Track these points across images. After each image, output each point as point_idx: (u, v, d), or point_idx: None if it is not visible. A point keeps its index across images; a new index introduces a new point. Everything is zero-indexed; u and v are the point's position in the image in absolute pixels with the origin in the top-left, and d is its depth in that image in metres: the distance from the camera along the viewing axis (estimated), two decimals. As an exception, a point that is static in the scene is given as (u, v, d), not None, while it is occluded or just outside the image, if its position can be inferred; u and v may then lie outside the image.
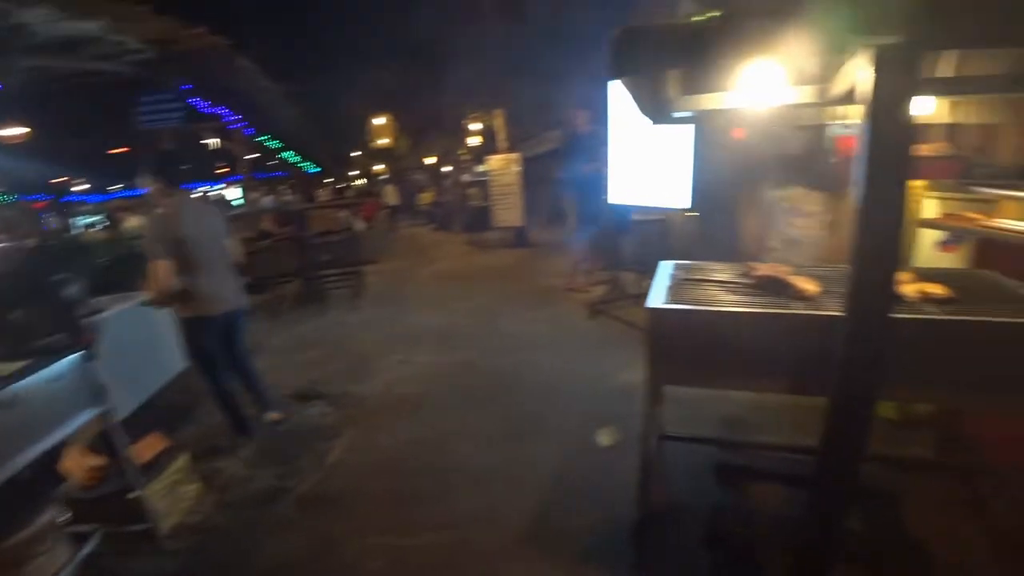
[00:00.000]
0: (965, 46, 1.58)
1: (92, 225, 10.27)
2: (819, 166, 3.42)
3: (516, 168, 9.55)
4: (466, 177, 13.58)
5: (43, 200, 14.50)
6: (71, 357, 2.10)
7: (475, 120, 12.38)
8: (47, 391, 1.95)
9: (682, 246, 4.22)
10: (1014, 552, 2.03)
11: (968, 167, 3.59)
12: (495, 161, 9.91)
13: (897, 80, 1.26)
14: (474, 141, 14.06)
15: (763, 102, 1.82)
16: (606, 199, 4.60)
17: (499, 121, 9.96)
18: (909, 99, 1.28)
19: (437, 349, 5.12)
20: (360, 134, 19.28)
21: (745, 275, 2.12)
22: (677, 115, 2.06)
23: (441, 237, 13.98)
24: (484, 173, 11.42)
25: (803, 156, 3.47)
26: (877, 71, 1.25)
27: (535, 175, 9.59)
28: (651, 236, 4.80)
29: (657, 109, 2.07)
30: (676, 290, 2.06)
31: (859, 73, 1.36)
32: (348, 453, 3.41)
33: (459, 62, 11.08)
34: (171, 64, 5.33)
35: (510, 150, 10.10)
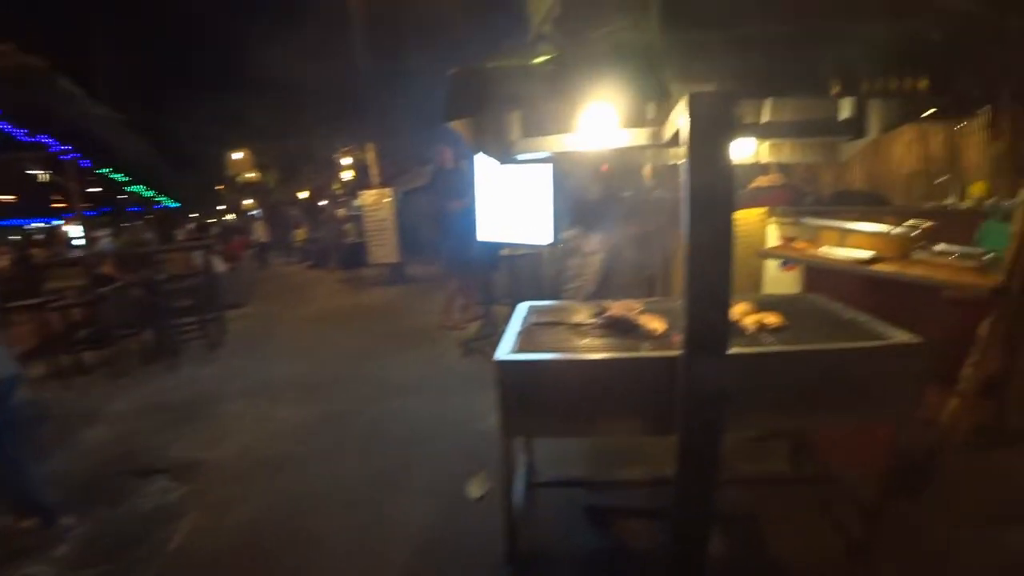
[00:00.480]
0: (767, 95, 1.75)
1: None
2: (608, 208, 3.69)
3: (390, 203, 9.33)
4: (341, 212, 13.04)
5: None
6: None
7: (347, 154, 11.98)
8: None
9: (553, 280, 4.29)
10: (863, 556, 2.18)
11: (800, 196, 4.22)
12: (368, 196, 9.60)
13: (710, 124, 1.32)
14: (347, 176, 13.59)
15: (599, 144, 1.86)
16: (476, 235, 4.58)
17: (371, 155, 9.71)
18: (723, 141, 1.35)
19: (303, 401, 4.70)
20: (220, 168, 17.91)
21: (598, 315, 2.13)
22: (521, 157, 2.05)
23: (316, 275, 13.24)
24: (359, 208, 11.06)
25: (597, 199, 3.74)
26: (692, 116, 1.30)
27: (410, 210, 9.44)
28: (523, 271, 4.84)
29: (502, 150, 2.05)
30: (526, 336, 2.02)
31: (680, 118, 1.41)
32: (193, 537, 2.92)
33: (329, 95, 10.75)
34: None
35: (383, 185, 9.86)
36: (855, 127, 1.78)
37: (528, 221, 4.05)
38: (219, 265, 9.80)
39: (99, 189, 21.12)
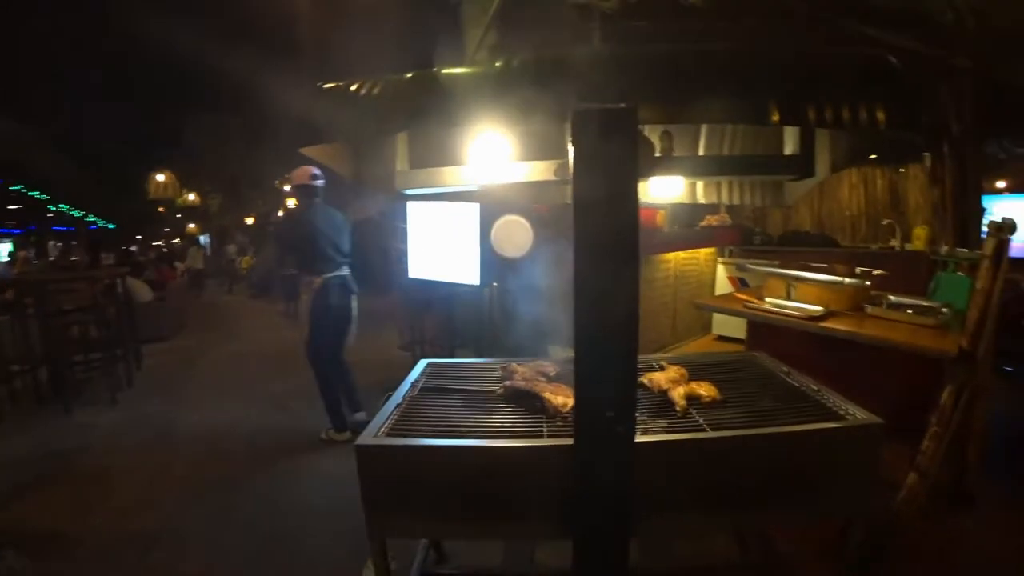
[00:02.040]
0: (698, 121, 1.48)
1: None
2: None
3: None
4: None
5: None
6: None
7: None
8: None
9: (487, 322, 3.95)
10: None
11: (749, 236, 4.11)
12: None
13: (600, 149, 0.99)
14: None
15: (494, 178, 1.52)
16: (407, 272, 4.24)
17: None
18: (620, 169, 1.02)
19: (201, 457, 4.11)
20: (144, 188, 16.99)
21: (503, 380, 1.76)
22: (411, 191, 1.69)
23: (258, 307, 12.48)
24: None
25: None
26: (576, 140, 0.97)
27: (361, 239, 8.94)
28: (460, 310, 4.50)
29: (385, 181, 1.68)
30: (410, 408, 1.62)
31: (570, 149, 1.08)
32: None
33: (274, 118, 10.30)
34: None
35: (332, 213, 9.33)
36: (802, 165, 1.51)
37: (457, 261, 3.76)
38: (144, 294, 9.05)
39: (19, 207, 19.76)
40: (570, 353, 2.03)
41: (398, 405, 1.64)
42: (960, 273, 2.45)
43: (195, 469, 3.92)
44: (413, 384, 1.83)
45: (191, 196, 16.20)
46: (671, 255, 3.52)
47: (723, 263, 3.67)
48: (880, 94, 1.18)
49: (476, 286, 3.57)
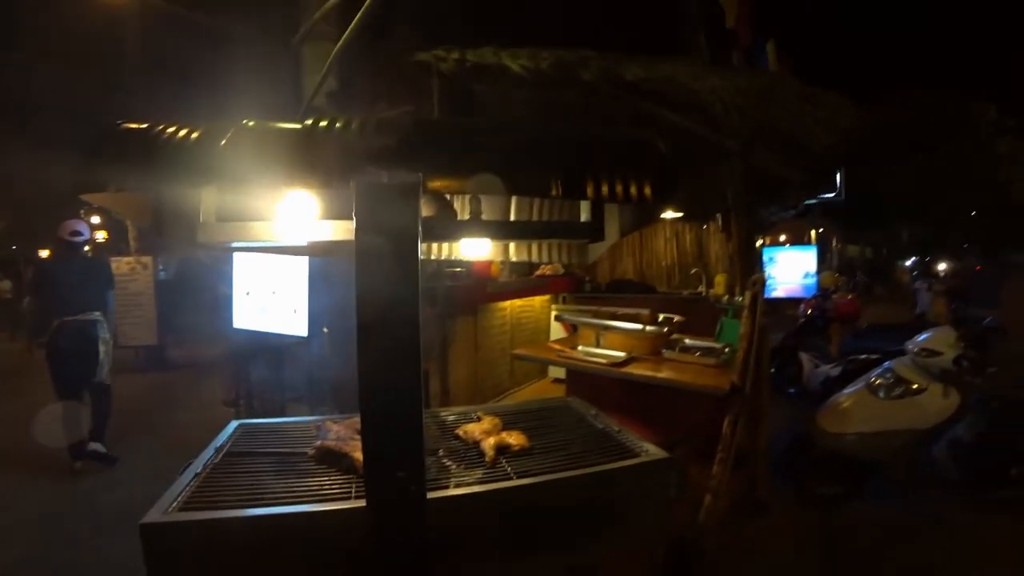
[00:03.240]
0: (489, 192, 1.60)
1: None
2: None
3: (149, 274, 7.83)
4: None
5: None
6: None
7: (94, 213, 9.83)
8: None
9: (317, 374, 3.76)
10: None
11: (580, 283, 4.45)
12: (122, 264, 7.90)
13: (383, 217, 1.03)
14: (99, 236, 11.24)
15: (303, 235, 1.49)
16: (231, 322, 3.93)
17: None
18: (401, 236, 1.06)
19: None
20: None
21: (316, 438, 1.67)
22: (216, 243, 1.58)
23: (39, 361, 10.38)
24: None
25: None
26: (359, 208, 1.00)
27: (180, 284, 8.00)
28: (289, 362, 4.23)
29: (186, 232, 1.56)
30: (209, 477, 1.47)
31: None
32: None
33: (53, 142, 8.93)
34: None
35: (142, 252, 8.28)
36: (593, 230, 1.71)
37: (284, 311, 3.65)
38: None
39: None
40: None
41: (196, 475, 1.48)
42: (736, 319, 2.90)
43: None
44: (218, 449, 1.66)
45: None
46: (507, 303, 3.70)
47: (555, 310, 3.92)
48: (648, 171, 1.38)
49: (304, 337, 3.50)
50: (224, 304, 5.44)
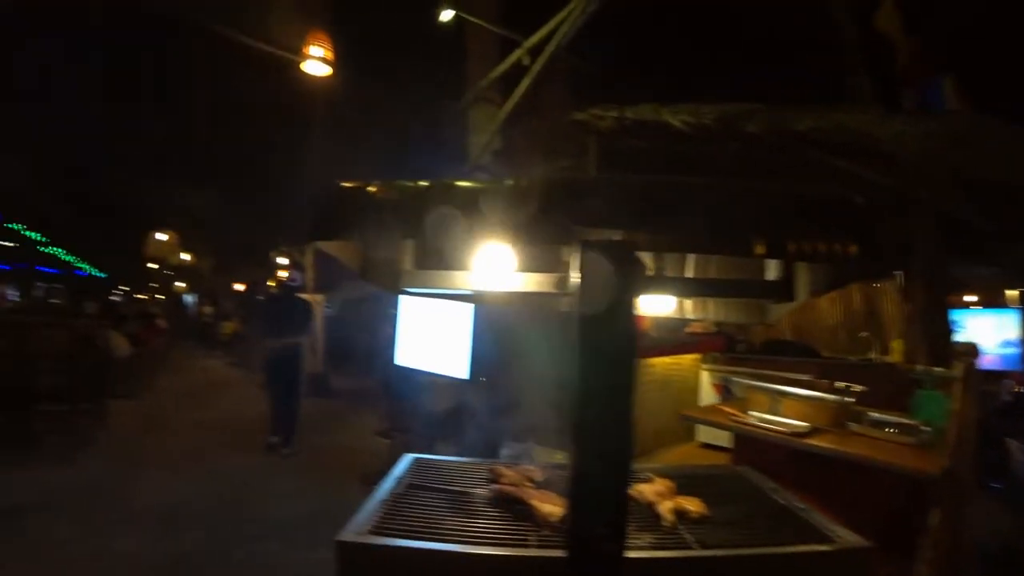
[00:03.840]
0: (689, 251, 1.59)
1: None
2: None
3: (320, 310, 8.89)
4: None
5: None
6: None
7: (284, 255, 11.62)
8: None
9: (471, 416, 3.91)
10: None
11: (732, 343, 4.20)
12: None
13: (603, 275, 1.07)
14: (283, 275, 13.11)
15: (496, 285, 1.59)
16: (393, 358, 4.27)
17: (308, 259, 9.43)
18: (619, 294, 1.09)
19: (156, 532, 3.87)
20: (141, 243, 17.09)
21: (490, 483, 1.74)
22: (414, 289, 1.76)
23: (235, 375, 12.16)
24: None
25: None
26: (584, 266, 1.05)
27: (341, 320, 8.97)
28: (446, 402, 4.44)
29: (391, 280, 1.75)
30: (394, 506, 1.59)
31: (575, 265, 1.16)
32: None
33: (275, 194, 10.62)
34: None
35: (317, 291, 9.46)
36: (783, 290, 1.62)
37: (446, 353, 3.84)
38: (122, 348, 8.83)
39: (13, 244, 19.43)
40: (556, 457, 2.02)
41: (383, 501, 1.60)
42: (937, 391, 2.52)
43: (151, 541, 3.72)
44: (398, 480, 1.80)
45: (186, 257, 16.30)
46: (656, 360, 3.57)
47: (707, 370, 3.72)
48: (850, 229, 1.29)
49: (464, 380, 3.65)
50: (387, 341, 5.95)
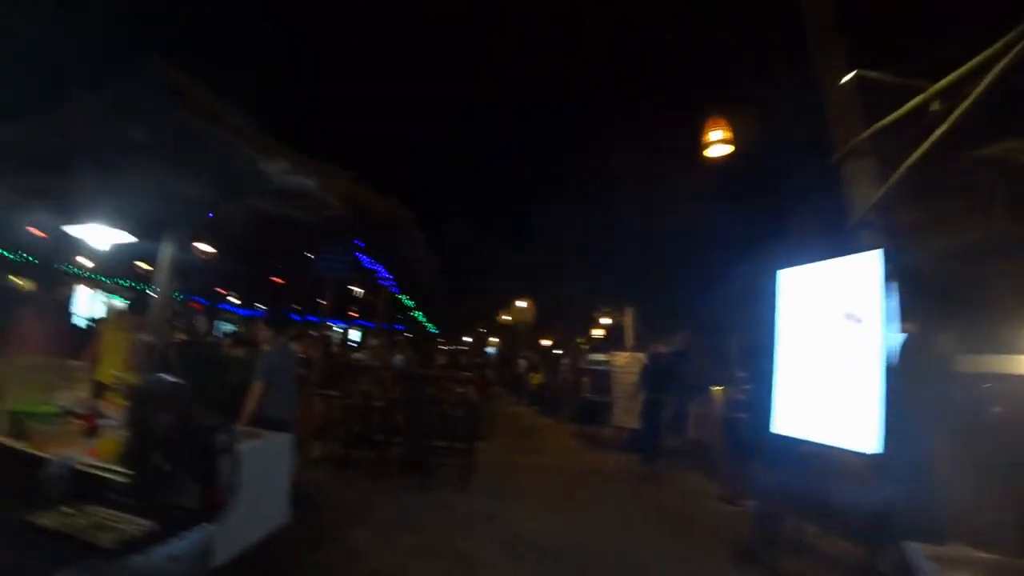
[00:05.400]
0: None
1: (234, 333, 10.91)
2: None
3: (639, 368, 9.15)
4: (583, 365, 13.26)
5: (201, 303, 15.87)
6: (198, 532, 1.78)
7: (606, 315, 12.48)
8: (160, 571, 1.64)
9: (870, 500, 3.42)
10: None
11: None
12: (621, 357, 9.61)
13: None
14: (598, 333, 13.97)
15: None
16: (768, 426, 3.93)
17: (628, 319, 9.93)
18: None
19: (535, 558, 4.33)
20: (492, 309, 20.28)
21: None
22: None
23: (546, 422, 13.28)
24: (601, 363, 11.28)
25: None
26: None
27: (659, 378, 9.03)
28: (829, 478, 3.92)
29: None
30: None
31: None
32: None
33: (596, 257, 11.42)
34: (357, 223, 5.88)
35: (636, 349, 9.80)
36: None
37: (840, 415, 3.29)
38: (473, 395, 10.58)
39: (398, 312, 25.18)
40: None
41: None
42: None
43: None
44: (921, 571, 1.65)
45: (508, 317, 19.06)
46: None
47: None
48: None
49: (871, 454, 3.09)
50: (738, 403, 5.77)
